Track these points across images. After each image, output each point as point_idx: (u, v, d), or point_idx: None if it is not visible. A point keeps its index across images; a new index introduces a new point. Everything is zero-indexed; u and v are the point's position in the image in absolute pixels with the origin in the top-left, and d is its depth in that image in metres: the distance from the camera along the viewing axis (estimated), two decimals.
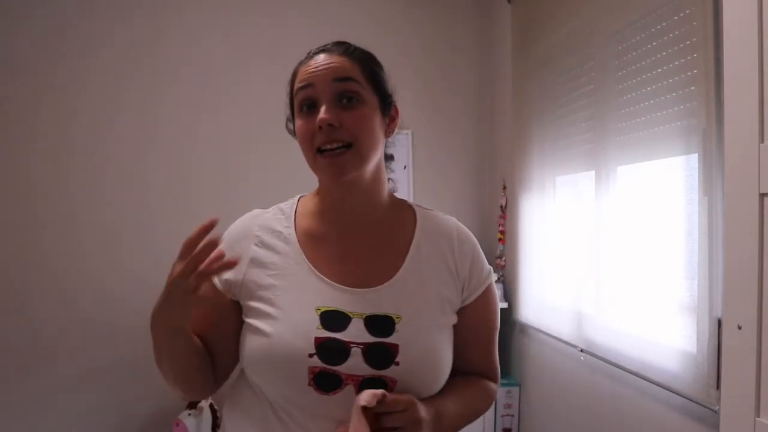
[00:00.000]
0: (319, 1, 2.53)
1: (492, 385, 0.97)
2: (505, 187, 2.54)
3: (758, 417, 1.03)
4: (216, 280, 0.86)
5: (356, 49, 0.88)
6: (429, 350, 0.82)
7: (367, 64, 0.87)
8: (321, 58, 0.85)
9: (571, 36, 2.01)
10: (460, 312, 0.90)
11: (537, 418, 2.29)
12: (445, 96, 2.68)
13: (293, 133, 0.91)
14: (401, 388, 0.78)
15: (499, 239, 2.52)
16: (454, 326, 0.89)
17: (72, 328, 2.21)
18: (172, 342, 0.79)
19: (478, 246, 0.95)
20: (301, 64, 0.88)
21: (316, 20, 2.47)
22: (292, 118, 0.91)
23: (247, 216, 0.93)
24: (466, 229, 0.96)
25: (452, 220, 0.96)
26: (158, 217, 2.32)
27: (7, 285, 2.15)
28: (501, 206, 2.55)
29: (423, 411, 0.77)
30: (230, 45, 2.41)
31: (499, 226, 2.54)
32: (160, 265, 2.56)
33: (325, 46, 0.88)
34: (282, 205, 0.94)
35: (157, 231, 2.31)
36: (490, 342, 0.96)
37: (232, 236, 0.90)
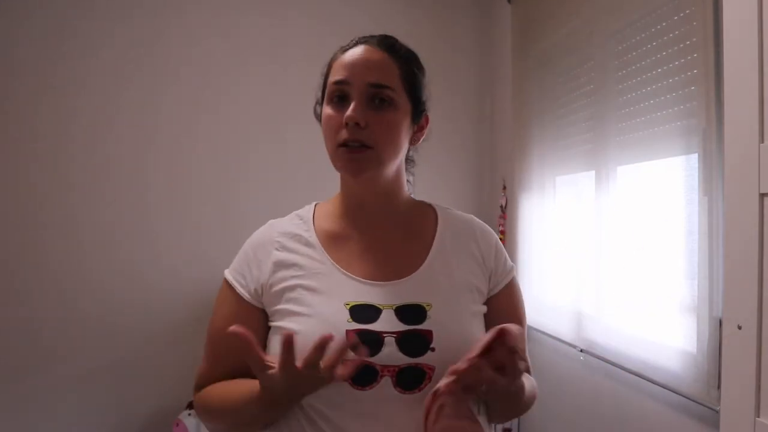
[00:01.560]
0: (319, 1, 2.53)
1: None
2: (505, 187, 2.54)
3: (758, 417, 1.03)
4: (242, 290, 0.86)
5: (402, 47, 0.88)
6: (464, 334, 0.81)
7: (409, 68, 0.87)
8: (362, 51, 0.84)
9: (571, 36, 2.01)
10: (489, 303, 0.90)
11: (537, 418, 2.28)
12: (445, 96, 2.68)
13: (319, 118, 0.91)
14: (440, 375, 0.76)
15: (499, 239, 2.52)
16: (486, 317, 0.89)
17: (72, 328, 2.21)
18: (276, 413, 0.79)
19: (499, 240, 0.97)
20: (342, 50, 0.87)
21: (317, 20, 2.47)
22: (321, 102, 0.90)
23: (264, 226, 0.93)
24: (486, 224, 0.98)
25: (472, 216, 0.98)
26: (158, 217, 2.32)
27: (7, 285, 2.15)
28: (501, 206, 2.55)
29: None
30: (230, 45, 2.41)
31: (499, 226, 2.54)
32: (159, 265, 2.57)
33: (371, 37, 0.86)
34: (299, 211, 0.94)
35: (157, 231, 2.31)
36: (522, 333, 0.97)
37: (251, 245, 0.90)
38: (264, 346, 0.85)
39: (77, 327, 2.22)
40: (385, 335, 0.77)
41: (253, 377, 0.86)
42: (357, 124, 0.80)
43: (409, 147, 0.92)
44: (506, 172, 2.54)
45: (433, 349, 0.78)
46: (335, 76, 0.84)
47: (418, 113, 0.89)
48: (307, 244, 0.87)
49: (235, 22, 2.42)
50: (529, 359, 0.98)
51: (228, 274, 0.89)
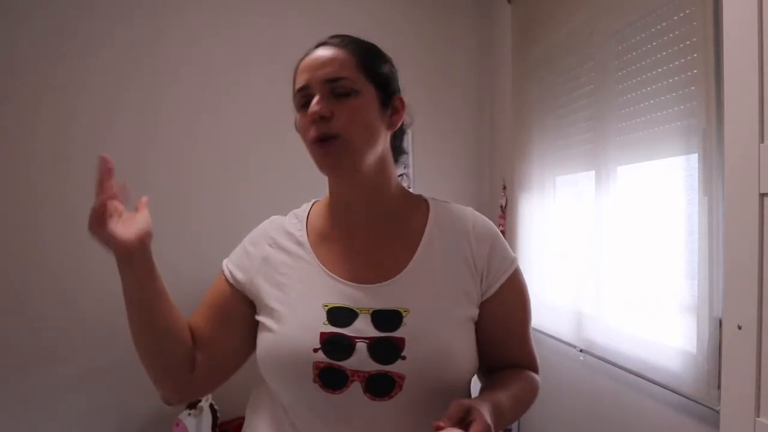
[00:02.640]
0: (319, 1, 2.53)
1: (535, 376, 0.92)
2: (505, 187, 2.54)
3: (758, 417, 1.03)
4: (229, 275, 0.90)
5: (354, 40, 0.87)
6: (438, 343, 0.79)
7: (365, 55, 0.85)
8: (316, 56, 0.84)
9: (571, 36, 2.01)
10: (485, 305, 0.86)
11: (537, 418, 2.29)
12: (445, 96, 2.68)
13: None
14: (410, 384, 0.76)
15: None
16: (482, 320, 0.86)
17: (72, 328, 2.21)
18: (132, 282, 0.82)
19: (499, 234, 0.91)
20: (300, 60, 0.88)
21: (317, 20, 2.46)
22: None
23: (266, 221, 0.95)
24: (484, 218, 0.93)
25: (468, 210, 0.93)
26: (158, 217, 2.31)
27: (7, 285, 2.15)
28: (501, 206, 2.55)
29: (489, 417, 0.71)
30: (230, 45, 2.41)
31: (499, 226, 2.54)
32: (159, 265, 2.55)
33: (324, 40, 0.87)
34: (296, 210, 0.95)
35: (157, 231, 2.30)
36: (524, 333, 0.92)
37: (250, 238, 0.93)
38: (248, 335, 0.87)
39: (77, 327, 2.21)
40: (357, 340, 0.77)
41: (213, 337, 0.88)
42: (322, 117, 0.80)
43: (392, 133, 0.89)
44: (506, 172, 2.54)
45: (404, 358, 0.76)
46: (297, 84, 0.85)
47: (387, 97, 0.87)
48: (298, 242, 0.89)
49: (235, 22, 2.42)
50: (538, 359, 0.95)
51: (224, 263, 0.93)
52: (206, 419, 2.17)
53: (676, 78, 1.49)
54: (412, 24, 2.59)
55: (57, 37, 2.19)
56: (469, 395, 0.90)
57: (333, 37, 0.87)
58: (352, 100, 0.82)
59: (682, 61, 1.47)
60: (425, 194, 0.98)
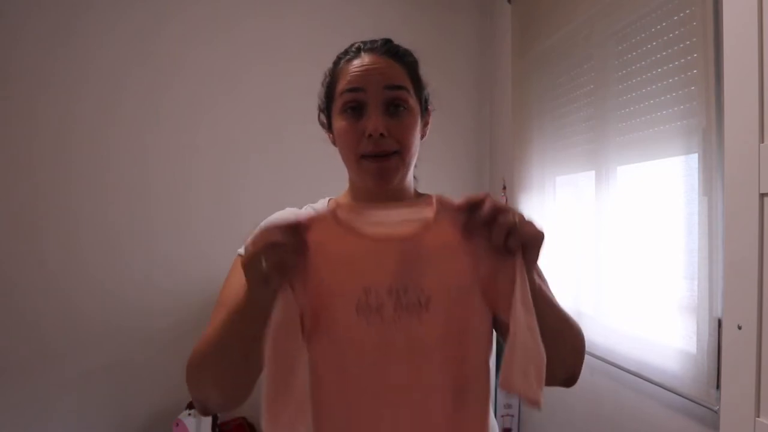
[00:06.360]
0: (320, 0, 2.53)
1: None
2: (505, 187, 2.54)
3: (758, 417, 1.03)
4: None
5: (405, 52, 0.88)
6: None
7: (414, 69, 0.88)
8: (369, 59, 0.84)
9: (571, 36, 2.01)
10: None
11: (537, 419, 2.28)
12: (445, 96, 2.67)
13: (325, 126, 0.92)
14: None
15: None
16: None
17: (72, 328, 2.21)
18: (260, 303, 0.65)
19: None
20: (345, 59, 0.87)
21: (317, 20, 2.47)
22: (326, 111, 0.91)
23: (282, 211, 0.92)
24: None
25: None
26: (159, 217, 2.32)
27: (7, 285, 2.15)
28: None
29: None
30: (231, 45, 2.41)
31: None
32: (159, 264, 2.55)
33: (373, 44, 0.86)
34: (313, 204, 0.95)
35: (158, 231, 2.31)
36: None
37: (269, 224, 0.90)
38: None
39: (77, 327, 2.21)
40: None
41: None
42: (381, 134, 0.80)
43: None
44: (506, 172, 2.54)
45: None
46: (346, 84, 0.83)
47: (424, 110, 0.91)
48: None
49: (236, 22, 2.42)
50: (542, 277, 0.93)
51: (243, 251, 0.84)
52: (206, 419, 2.16)
53: (676, 78, 1.49)
54: (411, 24, 2.59)
55: (57, 37, 2.19)
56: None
57: (383, 43, 0.87)
58: (407, 117, 0.84)
59: (682, 61, 1.47)
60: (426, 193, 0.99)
